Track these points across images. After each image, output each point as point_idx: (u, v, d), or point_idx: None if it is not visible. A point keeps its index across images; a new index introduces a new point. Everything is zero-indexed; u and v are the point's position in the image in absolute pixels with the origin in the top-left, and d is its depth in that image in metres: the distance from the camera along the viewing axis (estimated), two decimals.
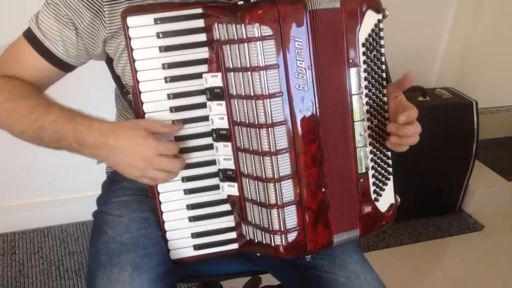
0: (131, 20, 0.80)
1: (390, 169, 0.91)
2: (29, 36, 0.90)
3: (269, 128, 0.78)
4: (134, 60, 0.81)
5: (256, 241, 0.86)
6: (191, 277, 1.03)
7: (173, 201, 0.88)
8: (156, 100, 0.83)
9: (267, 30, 0.75)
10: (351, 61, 0.82)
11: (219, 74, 0.81)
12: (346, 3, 0.80)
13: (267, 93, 0.77)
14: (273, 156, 0.79)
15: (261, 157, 0.79)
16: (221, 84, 0.81)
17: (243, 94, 0.78)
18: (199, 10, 0.81)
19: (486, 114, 2.44)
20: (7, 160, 1.83)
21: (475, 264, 1.91)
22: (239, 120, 0.81)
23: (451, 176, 2.08)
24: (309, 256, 0.86)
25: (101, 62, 0.98)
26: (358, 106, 0.84)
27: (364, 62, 0.84)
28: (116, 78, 0.96)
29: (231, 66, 0.79)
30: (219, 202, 0.89)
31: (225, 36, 0.79)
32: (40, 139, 0.85)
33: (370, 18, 0.83)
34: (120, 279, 0.82)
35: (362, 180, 0.88)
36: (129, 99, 0.91)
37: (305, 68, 0.78)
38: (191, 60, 0.82)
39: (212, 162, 0.86)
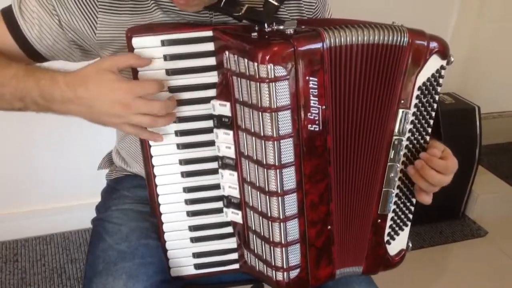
0: (136, 41, 0.76)
1: (411, 216, 0.88)
2: (7, 12, 0.84)
3: (278, 170, 0.75)
4: None
5: (257, 269, 0.85)
6: (190, 284, 1.03)
7: (176, 221, 0.87)
8: None
9: (280, 71, 0.70)
10: (402, 101, 0.78)
11: (228, 104, 0.77)
12: (414, 41, 0.75)
13: (277, 135, 0.73)
14: (280, 197, 0.76)
15: (267, 196, 0.77)
16: (229, 114, 0.78)
17: (253, 130, 0.75)
18: (209, 33, 0.77)
19: (489, 119, 2.42)
20: (8, 168, 1.81)
21: (479, 270, 1.91)
22: (246, 154, 0.78)
23: (454, 182, 2.05)
24: None
25: None
26: (396, 148, 0.80)
27: (415, 105, 0.79)
28: None
29: (241, 99, 0.75)
30: (222, 224, 0.87)
31: (236, 68, 0.74)
32: (0, 98, 0.78)
33: (434, 63, 0.78)
34: (115, 287, 0.82)
35: (380, 220, 0.84)
36: None
37: (319, 108, 0.74)
38: (199, 85, 0.79)
39: (217, 186, 0.84)
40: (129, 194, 1.00)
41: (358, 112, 0.78)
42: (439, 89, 0.80)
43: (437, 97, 0.81)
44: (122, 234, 0.90)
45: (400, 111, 0.78)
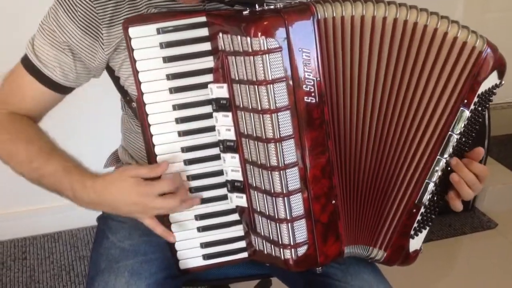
0: (133, 31, 0.78)
1: (434, 217, 0.88)
2: (27, 63, 0.89)
3: (277, 143, 0.76)
4: (137, 72, 0.80)
5: (266, 252, 0.85)
6: (197, 281, 1.03)
7: (181, 212, 0.86)
8: (161, 112, 0.82)
9: (273, 43, 0.72)
10: (465, 101, 0.79)
11: (225, 85, 0.79)
12: (489, 50, 0.78)
13: (274, 108, 0.74)
14: (281, 171, 0.77)
15: (269, 171, 0.77)
16: (227, 95, 0.79)
17: (250, 107, 0.76)
18: (202, 19, 0.79)
19: (497, 109, 2.40)
20: None
21: (489, 263, 1.88)
22: (246, 133, 0.79)
23: None
24: (320, 268, 0.85)
25: None
26: (448, 143, 0.81)
27: (471, 111, 0.81)
28: (119, 87, 0.95)
29: (236, 78, 0.77)
30: (228, 212, 0.87)
31: (230, 47, 0.76)
32: (39, 183, 0.88)
33: (492, 78, 0.81)
34: (117, 285, 0.82)
35: (415, 210, 0.84)
36: (133, 107, 0.90)
37: (314, 80, 0.75)
38: (196, 70, 0.81)
39: (220, 173, 0.85)
40: None
41: (369, 87, 0.79)
42: (488, 104, 0.83)
43: (485, 112, 0.84)
44: (125, 231, 0.91)
45: (464, 110, 0.80)
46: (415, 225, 0.86)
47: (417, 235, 0.87)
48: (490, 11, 2.21)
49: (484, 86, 0.80)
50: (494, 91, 0.83)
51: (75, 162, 0.88)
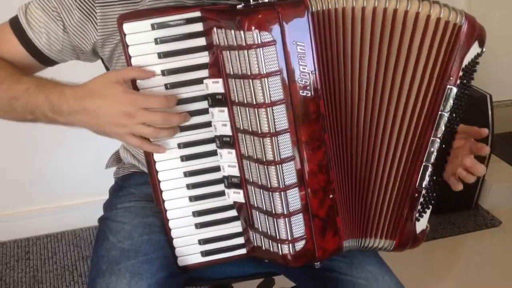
0: (127, 27, 0.78)
1: (435, 195, 0.88)
2: (14, 23, 0.88)
3: (273, 137, 0.75)
4: None
5: (264, 248, 0.84)
6: (199, 280, 1.02)
7: (179, 208, 0.87)
8: None
9: (267, 36, 0.72)
10: (451, 78, 0.78)
11: (220, 80, 0.79)
12: (469, 23, 0.77)
13: (269, 101, 0.74)
14: (277, 165, 0.76)
15: (265, 166, 0.77)
16: (222, 90, 0.79)
17: (245, 101, 0.76)
18: (197, 14, 0.79)
19: (501, 107, 2.39)
20: (19, 166, 1.84)
21: (493, 261, 1.87)
22: (242, 128, 0.79)
23: None
24: (318, 263, 0.85)
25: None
26: (440, 124, 0.80)
27: (457, 86, 0.80)
28: None
29: (231, 73, 0.77)
30: (226, 208, 0.87)
31: (224, 42, 0.76)
32: (12, 110, 0.83)
33: (474, 49, 0.80)
34: (118, 287, 0.82)
35: (416, 195, 0.84)
36: None
37: (309, 73, 0.75)
38: (191, 66, 0.80)
39: (217, 169, 0.85)
40: (136, 191, 1.01)
41: (362, 78, 0.78)
42: (473, 75, 0.82)
43: (471, 82, 0.82)
44: (125, 232, 0.91)
45: (453, 88, 0.79)
46: (419, 207, 0.86)
47: (422, 216, 0.87)
48: (493, 8, 2.19)
49: (467, 59, 0.79)
50: (477, 60, 0.81)
51: (49, 79, 0.83)
